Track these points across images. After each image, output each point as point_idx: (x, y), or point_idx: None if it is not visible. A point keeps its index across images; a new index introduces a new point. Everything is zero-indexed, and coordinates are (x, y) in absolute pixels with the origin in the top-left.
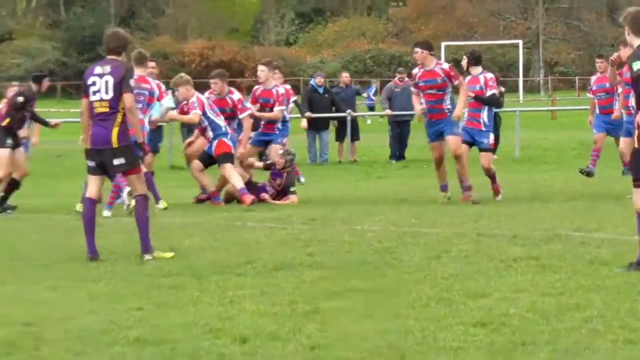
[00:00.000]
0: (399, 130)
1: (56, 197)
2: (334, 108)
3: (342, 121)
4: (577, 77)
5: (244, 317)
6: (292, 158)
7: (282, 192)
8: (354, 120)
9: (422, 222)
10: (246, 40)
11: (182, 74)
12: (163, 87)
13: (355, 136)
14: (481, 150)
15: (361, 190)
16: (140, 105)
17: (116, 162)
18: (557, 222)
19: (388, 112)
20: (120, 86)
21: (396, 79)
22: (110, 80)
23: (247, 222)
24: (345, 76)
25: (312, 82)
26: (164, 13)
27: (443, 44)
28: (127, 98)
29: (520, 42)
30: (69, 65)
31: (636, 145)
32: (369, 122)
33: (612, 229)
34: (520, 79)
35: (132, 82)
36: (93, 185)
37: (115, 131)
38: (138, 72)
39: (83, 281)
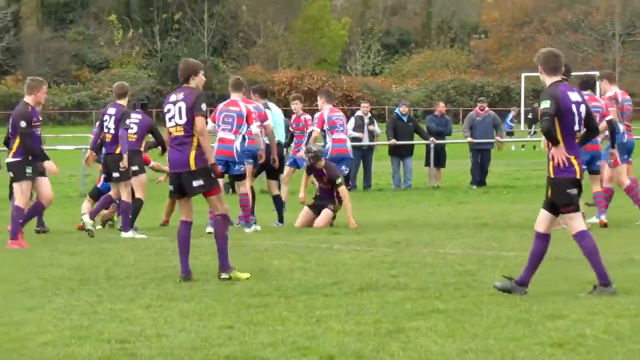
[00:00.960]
0: (480, 158)
1: (151, 220)
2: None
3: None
4: None
5: (330, 336)
6: (315, 154)
7: (332, 187)
8: (442, 148)
9: (502, 245)
10: (334, 70)
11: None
12: (257, 111)
13: (441, 163)
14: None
15: (443, 215)
16: (229, 127)
17: (195, 184)
18: (631, 247)
19: (469, 139)
20: (192, 110)
21: (477, 108)
22: (183, 106)
23: (333, 245)
24: (441, 105)
25: (396, 110)
26: (255, 44)
27: (523, 75)
28: (198, 121)
29: (597, 73)
30: (163, 93)
31: (552, 176)
32: (513, 147)
33: None
34: None
35: (204, 107)
36: (183, 208)
37: (192, 154)
38: (233, 96)
39: (175, 300)
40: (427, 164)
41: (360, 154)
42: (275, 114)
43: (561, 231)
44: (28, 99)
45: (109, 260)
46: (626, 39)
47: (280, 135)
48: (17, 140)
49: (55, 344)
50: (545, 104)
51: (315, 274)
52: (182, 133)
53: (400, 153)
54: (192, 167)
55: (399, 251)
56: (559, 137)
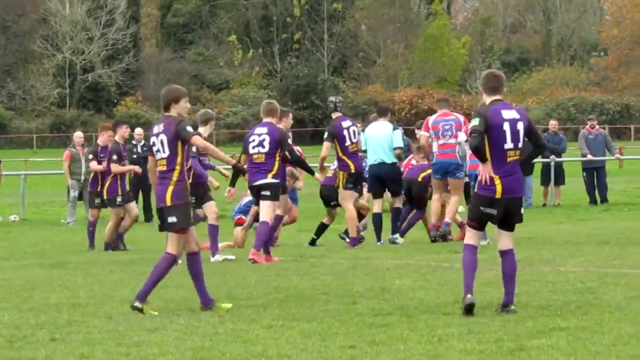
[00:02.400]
0: (596, 175)
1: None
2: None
3: (546, 165)
4: None
5: (452, 355)
6: None
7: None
8: (559, 165)
9: (623, 263)
10: (454, 89)
11: None
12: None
13: (560, 180)
14: None
15: (564, 233)
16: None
17: (169, 220)
18: None
19: (590, 157)
20: (176, 142)
21: (587, 125)
22: (165, 138)
23: (454, 264)
24: (553, 124)
25: None
26: (375, 63)
27: None
28: (195, 141)
29: None
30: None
31: (476, 190)
32: None
33: None
34: None
35: (189, 129)
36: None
37: (170, 190)
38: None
39: (297, 320)
40: (545, 182)
41: None
42: (370, 134)
43: None
44: None
45: (231, 280)
46: None
47: (383, 155)
48: None
49: None
50: (475, 122)
51: (437, 293)
52: (164, 167)
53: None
54: (168, 202)
55: (520, 269)
56: (487, 154)
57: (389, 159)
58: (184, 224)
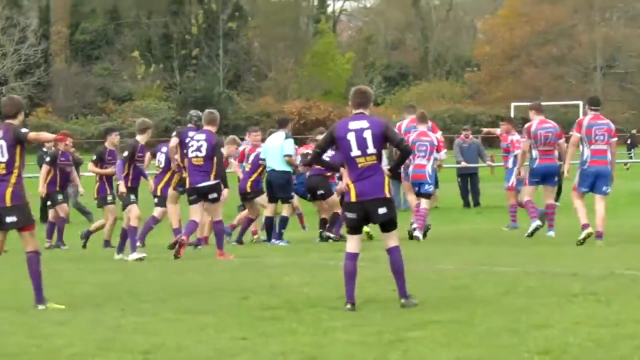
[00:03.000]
0: (470, 181)
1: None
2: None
3: None
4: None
5: (336, 346)
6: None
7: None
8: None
9: (494, 261)
10: (339, 101)
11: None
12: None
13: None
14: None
15: (440, 233)
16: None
17: (8, 219)
18: (612, 262)
19: (464, 164)
20: (15, 147)
21: (462, 135)
22: (4, 144)
23: (339, 262)
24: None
25: None
26: (266, 77)
27: (512, 105)
28: (30, 137)
29: (581, 102)
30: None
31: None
32: None
33: None
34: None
35: (24, 130)
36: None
37: (9, 190)
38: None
39: (193, 314)
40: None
41: None
42: (267, 144)
43: (546, 248)
44: None
45: (132, 277)
46: (607, 71)
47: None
48: None
49: (82, 355)
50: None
51: (322, 289)
52: (4, 171)
53: (399, 177)
54: (8, 203)
55: None
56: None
57: (279, 166)
58: (25, 222)
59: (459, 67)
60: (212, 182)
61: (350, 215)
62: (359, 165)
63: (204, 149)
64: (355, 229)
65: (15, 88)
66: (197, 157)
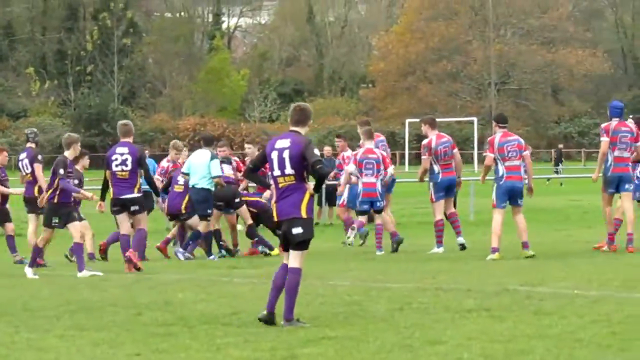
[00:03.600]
0: None
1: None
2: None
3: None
4: None
5: None
6: None
7: None
8: (334, 188)
9: (387, 277)
10: (234, 117)
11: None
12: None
13: (333, 201)
14: None
15: (334, 250)
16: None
17: None
18: (506, 278)
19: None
20: None
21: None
22: None
23: (233, 279)
24: (327, 149)
25: None
26: (161, 94)
27: (407, 121)
28: None
29: (475, 119)
30: None
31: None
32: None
33: (554, 283)
34: (475, 152)
35: None
36: None
37: None
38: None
39: (87, 330)
40: (320, 203)
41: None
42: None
43: (441, 264)
44: None
45: (25, 294)
46: (501, 87)
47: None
48: None
49: None
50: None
51: (216, 305)
52: None
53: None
54: None
55: None
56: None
57: (201, 183)
58: None
59: (353, 83)
60: (135, 194)
61: (277, 232)
62: (280, 185)
63: (129, 163)
64: (285, 244)
65: None
66: (122, 170)
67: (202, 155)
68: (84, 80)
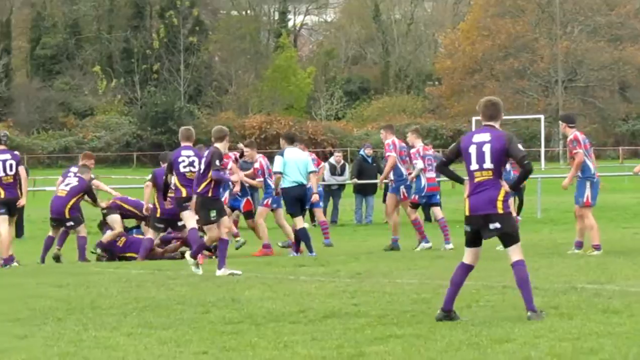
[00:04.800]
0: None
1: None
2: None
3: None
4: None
5: None
6: None
7: None
8: None
9: None
10: (300, 115)
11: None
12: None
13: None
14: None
15: (402, 248)
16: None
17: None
18: (573, 276)
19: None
20: None
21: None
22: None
23: (300, 276)
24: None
25: (361, 152)
26: (227, 92)
27: (473, 119)
28: None
29: (542, 116)
30: (143, 137)
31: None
32: None
33: (623, 281)
34: (542, 150)
35: None
36: None
37: None
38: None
39: (154, 328)
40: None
41: (329, 193)
42: (288, 158)
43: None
44: None
45: (94, 291)
46: (568, 85)
47: (295, 177)
48: None
49: None
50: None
51: (283, 303)
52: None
53: (364, 191)
54: None
55: (360, 281)
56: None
57: (305, 180)
58: None
59: (419, 81)
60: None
61: (465, 227)
62: (475, 180)
63: (196, 164)
64: (470, 241)
65: None
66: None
67: (298, 152)
68: (150, 79)
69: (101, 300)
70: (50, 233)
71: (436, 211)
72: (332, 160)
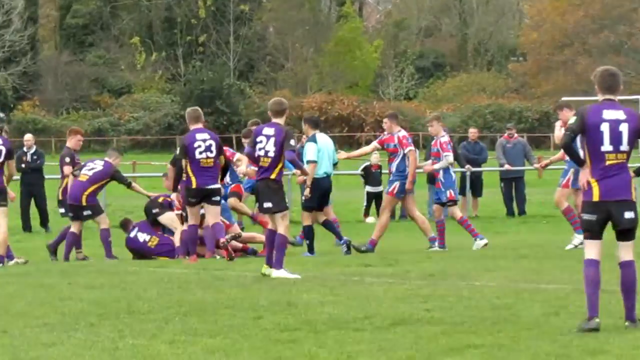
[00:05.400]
0: (514, 186)
1: None
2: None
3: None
4: None
5: None
6: None
7: None
8: (477, 176)
9: (541, 278)
10: (366, 95)
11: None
12: None
13: (476, 191)
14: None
15: (480, 246)
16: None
17: None
18: None
19: (507, 167)
20: None
21: (506, 134)
22: None
23: (365, 278)
24: (472, 132)
25: None
26: (283, 67)
27: (563, 99)
28: None
29: None
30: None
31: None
32: None
33: None
34: None
35: None
36: None
37: None
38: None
39: (200, 335)
40: (463, 192)
41: None
42: (321, 145)
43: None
44: None
45: (131, 293)
46: None
47: (326, 167)
48: None
49: None
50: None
51: (346, 308)
52: None
53: None
54: None
55: (434, 284)
56: (587, 157)
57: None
58: None
59: (502, 56)
60: (217, 185)
61: (588, 217)
62: (607, 163)
63: (214, 149)
64: (593, 232)
65: None
66: (207, 157)
67: (326, 138)
68: (195, 52)
69: (139, 303)
70: (72, 228)
71: (447, 210)
72: None
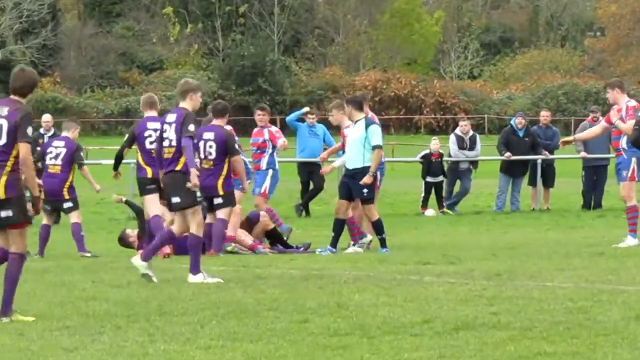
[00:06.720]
0: (595, 176)
1: None
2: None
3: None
4: None
5: None
6: None
7: None
8: (549, 165)
9: (620, 278)
10: (425, 73)
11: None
12: None
13: (548, 182)
14: None
15: (552, 242)
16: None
17: (3, 214)
18: None
19: (583, 154)
20: (15, 133)
21: (590, 117)
22: (5, 124)
23: (424, 277)
24: (544, 115)
25: (512, 122)
26: (333, 41)
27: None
28: (22, 148)
29: None
30: (226, 98)
31: None
32: None
33: None
34: None
35: (29, 131)
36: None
37: (2, 180)
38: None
39: (239, 340)
40: (533, 183)
41: (456, 173)
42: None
43: None
44: None
45: (162, 293)
46: None
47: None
48: None
49: None
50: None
51: (403, 311)
52: None
53: (512, 172)
54: (2, 195)
55: (500, 284)
56: None
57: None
58: (21, 217)
59: (577, 31)
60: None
61: None
62: None
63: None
64: None
65: (14, 52)
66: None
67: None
68: (235, 24)
69: (171, 304)
70: (45, 221)
71: None
72: (457, 131)
